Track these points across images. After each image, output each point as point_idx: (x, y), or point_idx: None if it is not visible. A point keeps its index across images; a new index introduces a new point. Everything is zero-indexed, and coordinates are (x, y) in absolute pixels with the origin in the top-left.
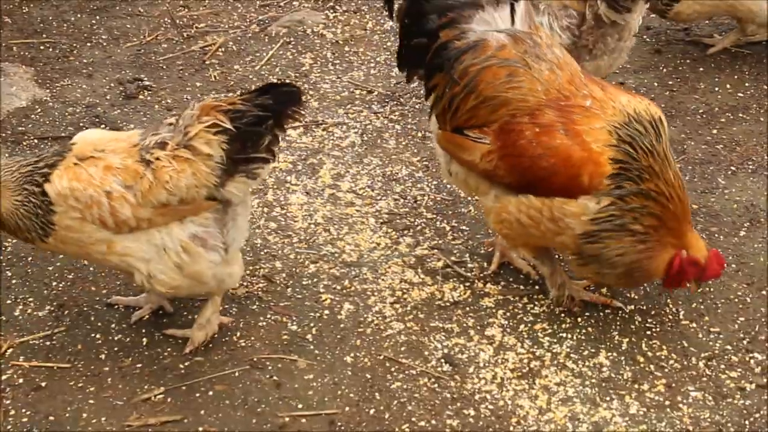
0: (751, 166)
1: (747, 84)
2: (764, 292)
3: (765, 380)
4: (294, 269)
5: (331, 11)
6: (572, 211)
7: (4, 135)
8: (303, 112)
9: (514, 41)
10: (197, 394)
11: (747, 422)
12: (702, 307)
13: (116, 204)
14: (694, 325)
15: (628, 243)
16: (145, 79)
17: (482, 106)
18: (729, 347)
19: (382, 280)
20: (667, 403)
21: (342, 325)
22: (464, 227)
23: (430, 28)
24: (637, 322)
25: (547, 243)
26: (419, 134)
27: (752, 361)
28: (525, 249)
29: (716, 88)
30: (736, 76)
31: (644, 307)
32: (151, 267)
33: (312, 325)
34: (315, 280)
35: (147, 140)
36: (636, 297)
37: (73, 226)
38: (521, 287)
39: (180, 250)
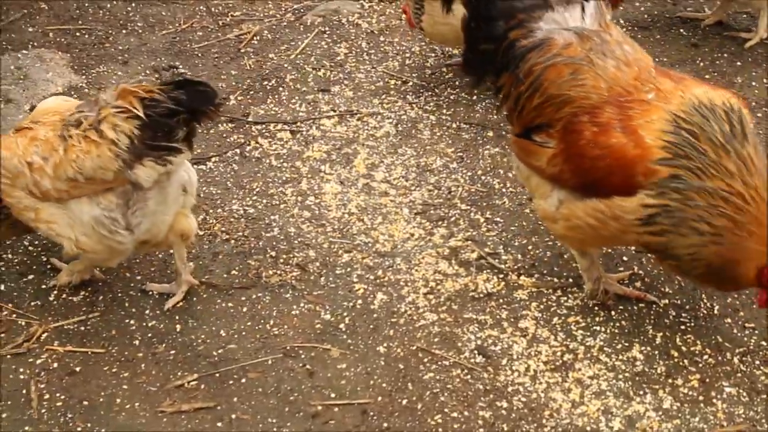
0: None
1: None
2: None
3: None
4: (328, 258)
5: (367, 1)
6: (630, 207)
7: None
8: (219, 113)
9: (581, 39)
10: (230, 382)
11: None
12: (737, 302)
13: (36, 175)
14: (729, 320)
15: (698, 242)
16: (180, 66)
17: (546, 104)
18: (764, 343)
19: (416, 270)
20: (700, 398)
21: (375, 315)
22: (498, 219)
23: (497, 33)
24: (671, 317)
25: (618, 242)
26: (454, 125)
27: None
28: (584, 246)
29: (753, 83)
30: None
31: (679, 302)
32: (76, 233)
33: (345, 314)
34: (348, 269)
35: (72, 116)
36: (670, 291)
37: (6, 191)
38: (555, 280)
39: (89, 226)
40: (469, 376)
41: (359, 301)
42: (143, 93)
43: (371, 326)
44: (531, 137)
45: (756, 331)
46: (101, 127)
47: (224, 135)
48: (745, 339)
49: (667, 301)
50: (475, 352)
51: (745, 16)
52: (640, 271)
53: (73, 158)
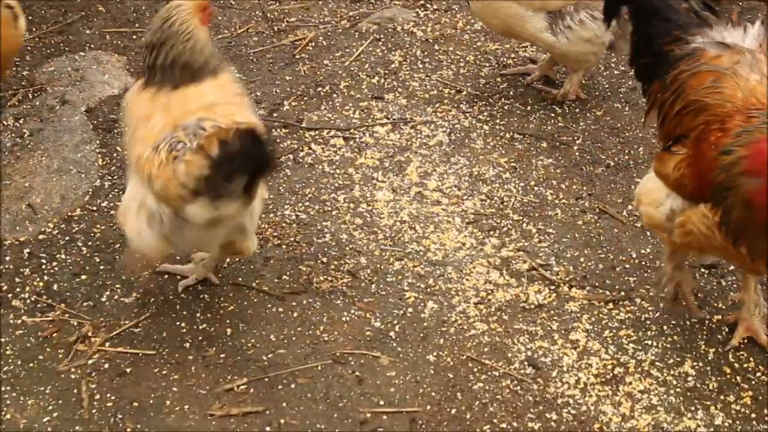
0: None
1: None
2: None
3: None
4: (379, 266)
5: (422, 9)
6: None
7: (96, 122)
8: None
9: (732, 52)
10: (279, 387)
11: None
12: None
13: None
14: None
15: None
16: (235, 71)
17: (685, 112)
18: None
19: (467, 280)
20: (753, 415)
21: (425, 324)
22: (551, 230)
23: (656, 49)
24: (724, 333)
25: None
26: (507, 135)
27: None
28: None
29: None
30: None
31: (732, 318)
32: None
33: (395, 322)
34: (399, 277)
35: (179, 129)
36: (723, 307)
37: None
38: (607, 292)
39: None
40: (518, 387)
41: (409, 309)
42: (224, 135)
43: (421, 334)
44: (670, 149)
45: None
46: (177, 163)
47: (278, 140)
48: None
49: (720, 316)
50: (525, 363)
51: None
52: (694, 287)
53: (149, 172)
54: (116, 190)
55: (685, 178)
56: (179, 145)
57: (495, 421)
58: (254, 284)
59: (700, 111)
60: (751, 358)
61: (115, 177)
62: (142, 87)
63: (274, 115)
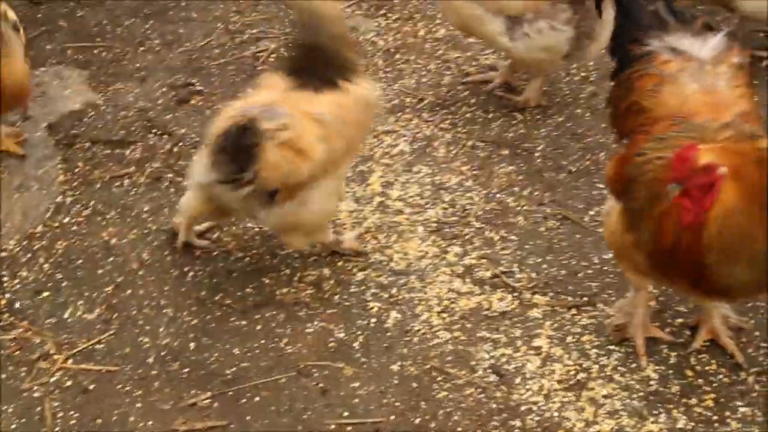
0: None
1: None
2: None
3: None
4: (342, 276)
5: (384, 18)
6: None
7: (57, 138)
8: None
9: (682, 59)
10: (243, 400)
11: None
12: (753, 322)
13: None
14: (745, 339)
15: None
16: (197, 84)
17: (629, 112)
18: None
19: (430, 288)
20: (715, 417)
21: (389, 334)
22: (513, 237)
23: (621, 48)
24: (685, 336)
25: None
26: (469, 143)
27: None
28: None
29: None
30: None
31: (693, 322)
32: None
33: (359, 332)
34: (363, 287)
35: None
36: (685, 311)
37: None
38: (569, 298)
39: None
40: (482, 395)
41: (373, 320)
42: None
43: (385, 344)
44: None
45: None
46: None
47: None
48: (761, 359)
49: (681, 320)
50: (489, 370)
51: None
52: (655, 290)
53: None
54: (78, 206)
55: (610, 176)
56: None
57: (459, 429)
58: (217, 298)
59: (639, 112)
60: (713, 361)
61: (77, 193)
62: None
63: None
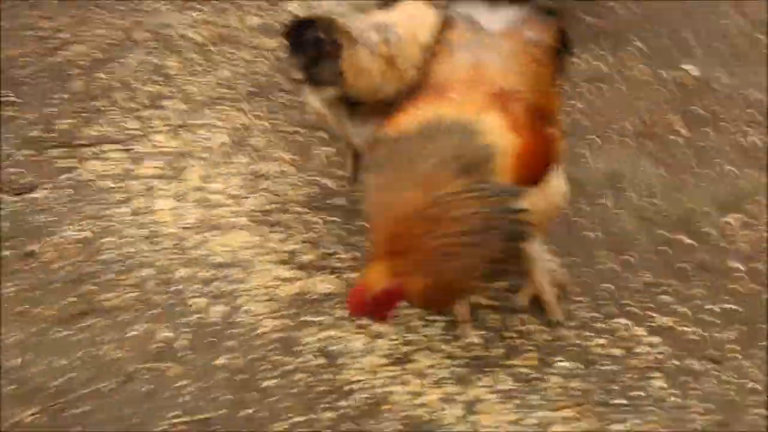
0: (612, 135)
1: (605, 54)
2: (626, 257)
3: (629, 345)
4: (165, 275)
5: (197, 12)
6: None
7: None
8: None
9: (469, 29)
10: (70, 412)
11: (613, 386)
12: (570, 277)
13: None
14: (562, 295)
15: None
16: (10, 94)
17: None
18: (596, 314)
19: (254, 278)
20: (537, 375)
21: (214, 328)
22: (335, 218)
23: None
24: (505, 299)
25: None
26: (288, 129)
27: (618, 326)
28: None
29: (576, 60)
30: (595, 47)
31: (510, 285)
32: None
33: (184, 330)
34: (186, 284)
35: None
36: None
37: None
38: None
39: None
40: (311, 379)
41: (197, 316)
42: None
43: (211, 339)
44: None
45: (588, 304)
46: None
47: (55, 161)
48: (578, 312)
49: (501, 284)
50: (317, 353)
51: None
52: None
53: None
54: None
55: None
56: None
57: (290, 415)
58: (38, 310)
59: (421, 78)
60: (533, 320)
61: None
62: None
63: (51, 135)
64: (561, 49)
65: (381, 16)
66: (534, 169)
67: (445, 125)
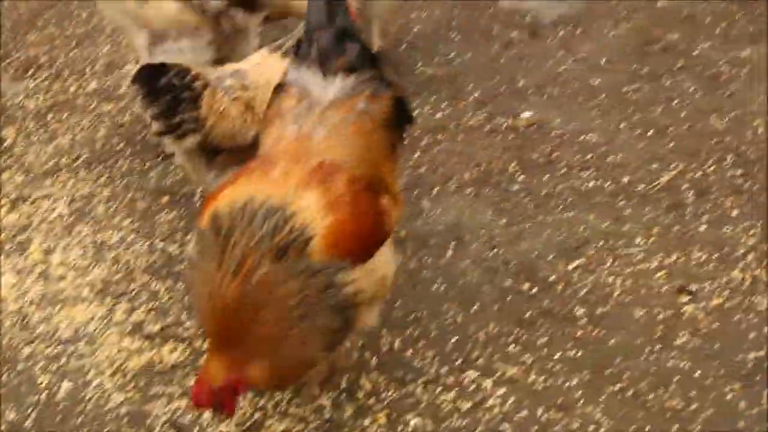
0: (454, 185)
1: (443, 105)
2: (472, 309)
3: (479, 398)
4: (8, 354)
5: (32, 79)
6: None
7: None
8: None
9: (301, 97)
10: None
11: None
12: (416, 332)
13: None
14: (411, 351)
15: None
16: None
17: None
18: (444, 368)
19: (100, 351)
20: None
21: (61, 406)
22: (180, 286)
23: None
24: (354, 357)
25: None
26: (129, 195)
27: (466, 380)
28: None
29: (416, 111)
30: (433, 98)
31: (360, 343)
32: None
33: (30, 410)
34: (31, 362)
35: None
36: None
37: None
38: None
39: None
40: None
41: (44, 394)
42: None
43: (59, 418)
44: None
45: (436, 359)
46: None
47: None
48: (427, 368)
49: (349, 344)
50: (167, 425)
51: None
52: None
53: None
54: None
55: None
56: None
57: None
58: None
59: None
60: (381, 378)
61: None
62: None
63: None
64: (397, 118)
65: (233, 66)
66: (355, 245)
67: (260, 208)
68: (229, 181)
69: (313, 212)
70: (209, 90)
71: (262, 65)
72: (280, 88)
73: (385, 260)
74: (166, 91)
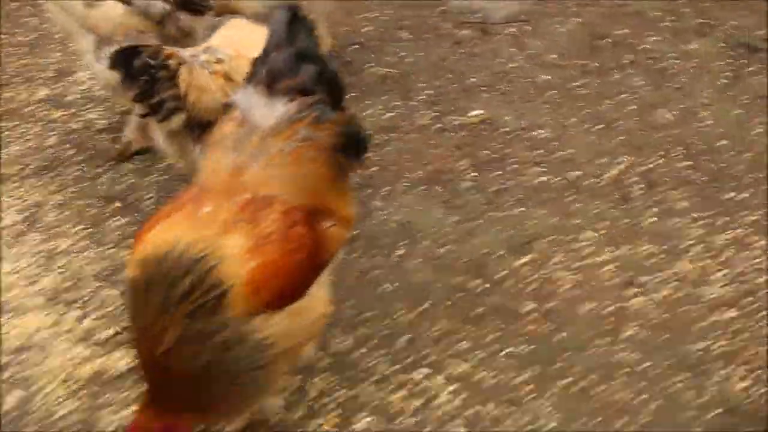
0: (405, 184)
1: (394, 105)
2: (423, 306)
3: (429, 395)
4: None
5: None
6: None
7: None
8: None
9: (242, 121)
10: None
11: None
12: (367, 331)
13: None
14: (363, 350)
15: None
16: None
17: None
18: (396, 367)
19: (51, 360)
20: None
21: (11, 416)
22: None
23: None
24: (307, 359)
25: None
26: (79, 202)
27: (417, 378)
28: None
29: (367, 111)
30: (384, 97)
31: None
32: None
33: None
34: None
35: None
36: None
37: None
38: None
39: None
40: None
41: None
42: None
43: (8, 429)
44: None
45: (388, 357)
46: None
47: None
48: (378, 367)
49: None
50: None
51: None
52: None
53: None
54: None
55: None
56: None
57: None
58: None
59: None
60: (334, 378)
61: None
62: None
63: None
64: (344, 146)
65: (203, 45)
66: (284, 285)
67: (180, 258)
68: (162, 213)
69: (235, 260)
70: (185, 67)
71: (230, 36)
72: (228, 107)
73: (318, 298)
74: (143, 71)
